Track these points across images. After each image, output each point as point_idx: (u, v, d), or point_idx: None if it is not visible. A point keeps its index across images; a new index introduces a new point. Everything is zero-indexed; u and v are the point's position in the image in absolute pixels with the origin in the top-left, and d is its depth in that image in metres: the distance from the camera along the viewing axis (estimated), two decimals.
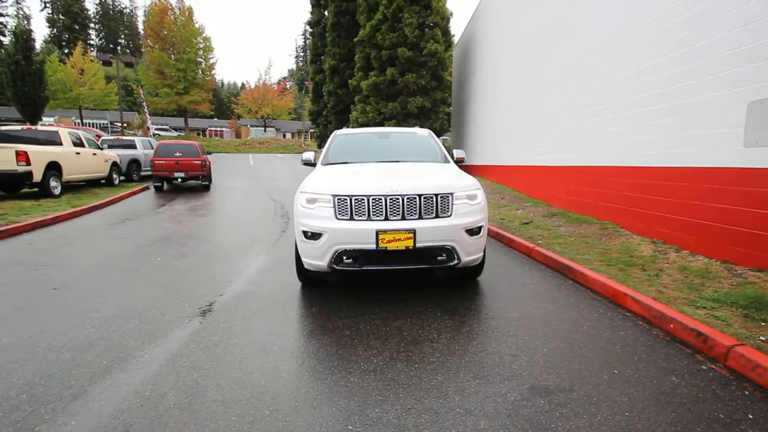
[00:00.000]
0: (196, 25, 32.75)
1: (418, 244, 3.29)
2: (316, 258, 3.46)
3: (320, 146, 25.83)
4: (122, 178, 13.31)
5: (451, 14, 15.53)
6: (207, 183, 13.44)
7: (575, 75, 7.23)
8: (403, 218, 3.35)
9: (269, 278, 4.33)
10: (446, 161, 4.66)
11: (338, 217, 3.38)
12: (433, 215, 3.39)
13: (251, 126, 52.64)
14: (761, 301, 3.09)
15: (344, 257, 3.38)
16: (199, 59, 33.59)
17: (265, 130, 50.79)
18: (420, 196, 3.38)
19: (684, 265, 4.16)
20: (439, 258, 3.41)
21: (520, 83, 9.94)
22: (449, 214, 3.43)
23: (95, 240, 6.23)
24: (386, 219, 3.34)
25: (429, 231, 3.31)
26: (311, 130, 54.32)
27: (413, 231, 3.28)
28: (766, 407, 2.05)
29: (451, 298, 3.70)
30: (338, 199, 3.40)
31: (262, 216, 8.57)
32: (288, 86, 58.47)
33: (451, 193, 3.47)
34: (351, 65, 18.21)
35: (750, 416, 1.98)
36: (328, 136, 23.88)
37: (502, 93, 11.44)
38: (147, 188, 12.92)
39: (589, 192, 6.75)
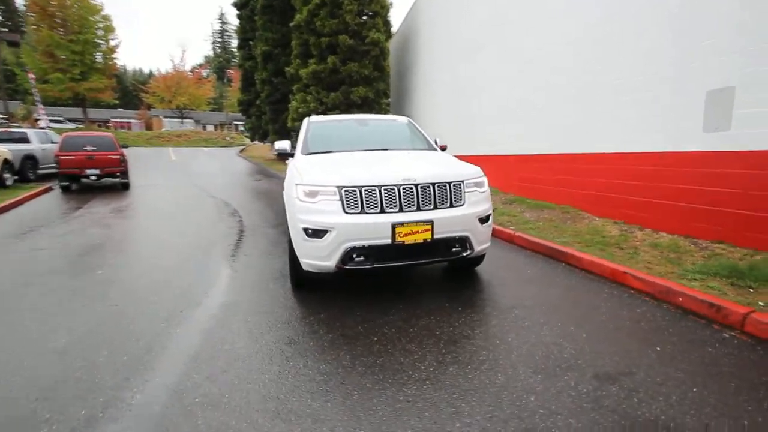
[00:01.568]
0: (94, 2, 28.53)
1: (435, 236, 3.08)
2: (321, 258, 3.08)
3: (253, 139, 24.12)
4: (16, 177, 11.10)
5: (391, 4, 15.34)
6: (126, 181, 11.81)
7: (525, 69, 7.51)
8: (418, 209, 3.11)
9: (250, 285, 3.81)
10: (434, 149, 4.50)
11: (347, 210, 3.04)
12: (448, 204, 3.21)
13: (165, 117, 47.72)
14: (738, 269, 3.42)
15: (354, 255, 3.06)
16: (99, 41, 29.36)
17: (182, 122, 46.45)
18: (434, 184, 3.17)
19: (654, 242, 4.50)
20: (453, 249, 3.25)
21: (467, 76, 10.13)
22: (462, 202, 3.27)
23: (6, 254, 5.02)
24: (401, 210, 3.07)
25: (446, 221, 3.12)
26: (236, 122, 50.75)
27: (431, 222, 3.06)
28: None
29: (459, 290, 3.56)
30: (345, 190, 3.05)
31: (207, 216, 7.69)
32: (205, 74, 54.07)
33: (462, 181, 3.31)
34: (287, 51, 17.16)
35: None
36: (262, 128, 22.56)
37: (444, 85, 11.60)
38: (51, 189, 10.95)
39: (546, 179, 7.08)
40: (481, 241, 3.38)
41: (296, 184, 3.25)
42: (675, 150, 4.65)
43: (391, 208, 3.07)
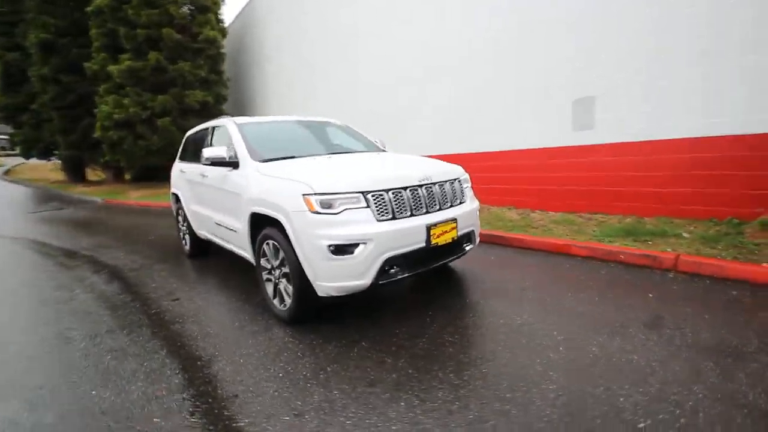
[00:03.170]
0: None
1: (458, 233, 3.05)
2: (353, 277, 2.63)
3: (28, 156, 17.53)
4: None
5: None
6: None
7: (409, 73, 8.09)
8: (440, 208, 3.01)
9: (226, 338, 2.92)
10: (384, 150, 4.39)
11: (379, 218, 2.68)
12: (459, 201, 3.21)
13: None
14: (628, 230, 4.59)
15: (388, 266, 2.73)
16: None
17: None
18: (446, 182, 3.13)
19: (554, 219, 5.56)
20: (464, 245, 3.28)
21: (339, 80, 10.17)
22: (465, 198, 3.33)
23: None
24: (427, 211, 2.91)
25: (463, 217, 3.13)
26: None
27: (456, 220, 3.02)
28: (729, 284, 3.15)
29: (460, 283, 3.61)
30: (373, 195, 2.69)
31: (27, 266, 5.43)
32: None
33: (460, 177, 3.38)
34: (80, 42, 13.36)
35: (733, 292, 3.02)
36: (42, 140, 17.44)
37: (306, 88, 11.35)
38: None
39: None
40: (478, 233, 3.51)
41: (304, 195, 2.67)
42: (554, 146, 5.86)
43: (418, 210, 2.87)
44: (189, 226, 4.97)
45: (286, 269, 2.89)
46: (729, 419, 1.74)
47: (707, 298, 2.98)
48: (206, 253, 5.16)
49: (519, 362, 2.29)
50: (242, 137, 3.73)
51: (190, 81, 12.86)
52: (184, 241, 5.36)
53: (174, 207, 5.58)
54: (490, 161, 6.70)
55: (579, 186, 5.65)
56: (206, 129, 4.56)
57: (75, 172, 16.87)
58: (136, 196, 12.13)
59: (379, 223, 2.68)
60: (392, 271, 2.75)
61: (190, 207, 4.81)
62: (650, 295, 3.10)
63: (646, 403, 1.87)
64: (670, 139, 4.76)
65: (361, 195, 2.68)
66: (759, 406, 1.81)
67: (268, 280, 3.18)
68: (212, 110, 13.82)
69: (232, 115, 4.36)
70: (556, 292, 3.28)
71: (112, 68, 12.07)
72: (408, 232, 2.75)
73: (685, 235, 4.24)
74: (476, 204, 3.45)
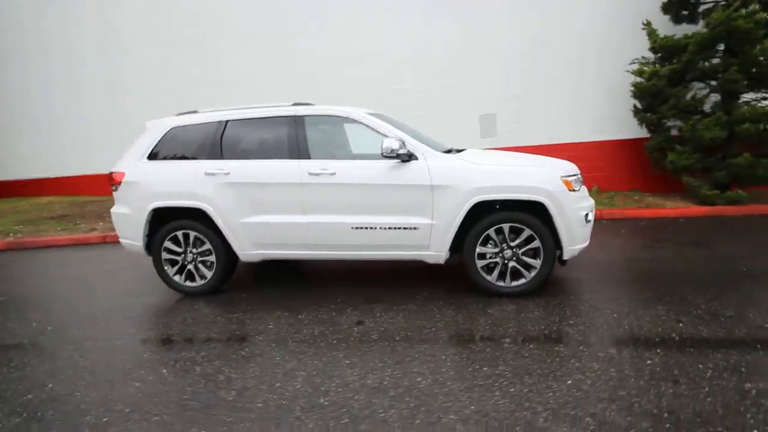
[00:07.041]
0: None
1: None
2: (587, 239, 3.43)
3: None
4: None
5: None
6: None
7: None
8: None
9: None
10: None
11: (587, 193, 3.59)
12: None
13: None
14: None
15: None
16: None
17: None
18: None
19: None
20: None
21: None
22: None
23: None
24: None
25: None
26: None
27: None
28: (651, 220, 5.84)
29: None
30: (580, 175, 3.55)
31: None
32: None
33: None
34: None
35: (668, 227, 5.69)
36: None
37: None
38: None
39: None
40: None
41: (562, 177, 3.23)
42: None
43: None
44: (223, 249, 3.62)
45: (533, 245, 3.24)
46: None
47: (665, 228, 5.41)
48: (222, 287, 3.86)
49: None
50: (400, 129, 3.48)
51: None
52: (181, 277, 3.73)
53: (141, 232, 3.68)
54: None
55: None
56: (278, 117, 3.55)
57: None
58: None
59: (589, 196, 3.59)
60: None
61: (241, 221, 3.54)
62: (623, 231, 5.38)
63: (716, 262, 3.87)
64: (559, 143, 7.48)
65: (579, 177, 3.50)
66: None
67: (487, 266, 3.33)
68: None
69: None
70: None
71: None
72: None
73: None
74: None
